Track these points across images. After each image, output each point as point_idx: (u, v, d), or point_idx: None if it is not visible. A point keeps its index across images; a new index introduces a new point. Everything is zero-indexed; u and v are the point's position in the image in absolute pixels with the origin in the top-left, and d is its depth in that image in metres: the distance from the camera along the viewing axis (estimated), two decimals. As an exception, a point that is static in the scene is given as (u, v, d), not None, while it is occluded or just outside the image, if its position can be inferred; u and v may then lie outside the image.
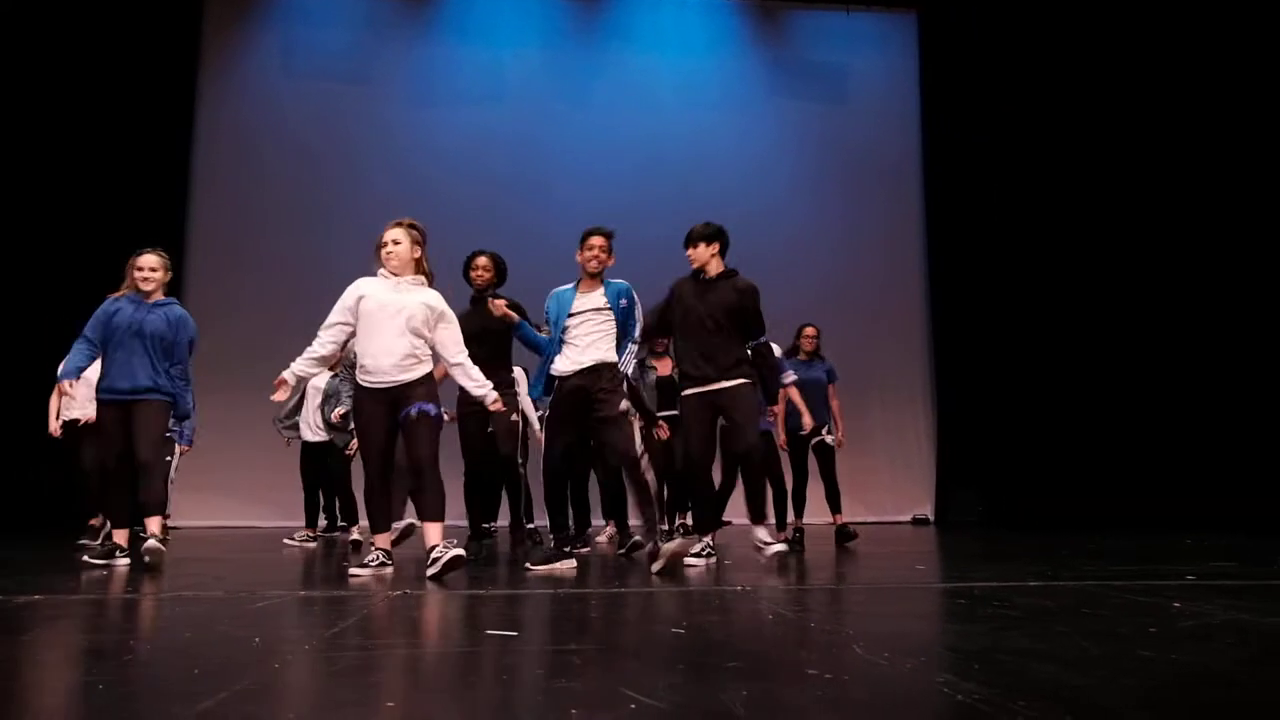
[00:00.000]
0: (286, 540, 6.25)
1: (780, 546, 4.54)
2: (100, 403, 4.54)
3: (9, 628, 2.61)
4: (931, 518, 10.07)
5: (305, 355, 4.11)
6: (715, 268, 4.76)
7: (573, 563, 4.24)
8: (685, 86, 10.37)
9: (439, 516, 4.07)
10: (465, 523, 5.38)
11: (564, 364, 4.45)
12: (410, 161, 9.68)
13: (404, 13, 10.23)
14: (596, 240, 4.54)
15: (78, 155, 8.90)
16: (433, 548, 3.97)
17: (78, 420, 5.90)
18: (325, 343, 4.11)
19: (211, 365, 8.88)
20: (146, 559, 4.21)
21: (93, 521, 5.86)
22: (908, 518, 9.99)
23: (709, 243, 4.72)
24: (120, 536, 4.49)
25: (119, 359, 4.48)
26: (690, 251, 4.73)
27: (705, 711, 1.58)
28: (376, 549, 4.09)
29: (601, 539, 6.11)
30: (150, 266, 4.62)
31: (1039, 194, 10.02)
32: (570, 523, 5.42)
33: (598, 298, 4.50)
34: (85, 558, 4.40)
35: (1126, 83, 9.63)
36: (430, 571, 3.81)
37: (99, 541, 5.45)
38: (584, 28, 10.46)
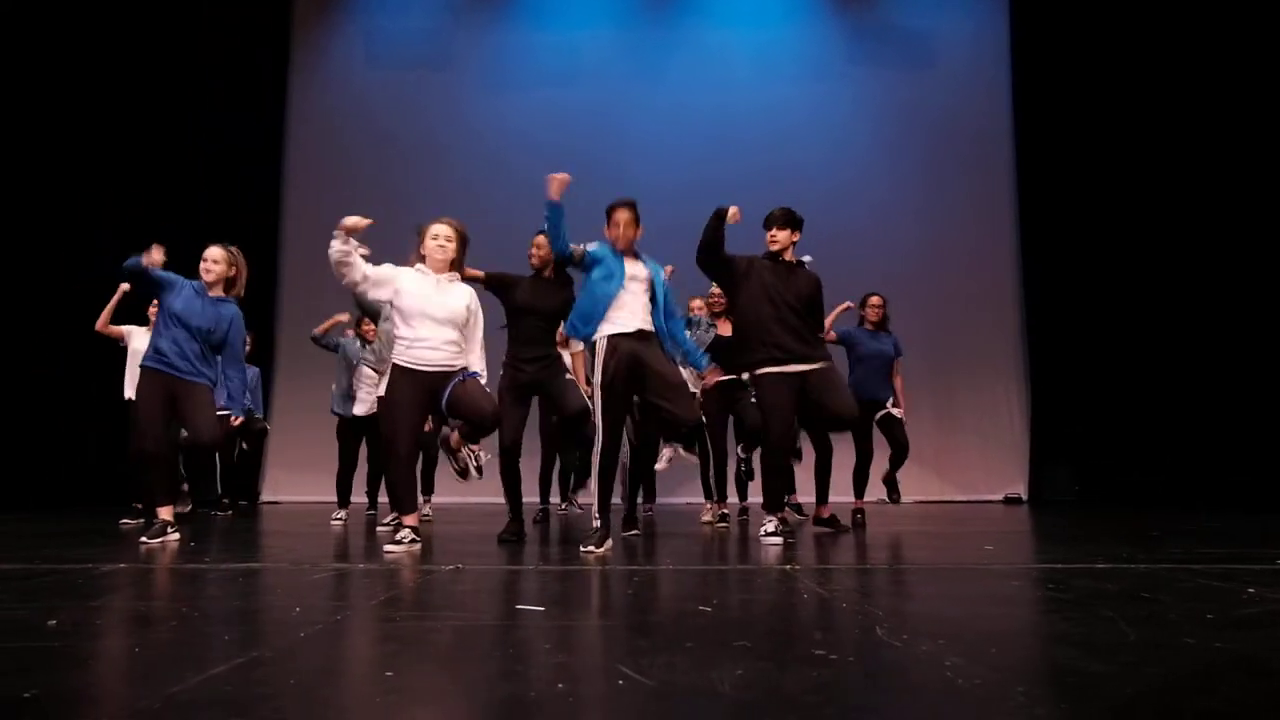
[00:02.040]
0: (332, 520, 6.22)
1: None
2: (147, 369, 4.54)
3: (85, 593, 2.80)
4: (1025, 496, 9.70)
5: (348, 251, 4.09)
6: (789, 255, 4.85)
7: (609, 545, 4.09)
8: (761, 59, 10.19)
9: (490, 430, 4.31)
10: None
11: (611, 327, 4.24)
12: (487, 145, 9.84)
13: (480, -2, 10.38)
14: (623, 215, 4.38)
15: (178, 149, 9.39)
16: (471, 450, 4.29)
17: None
18: (363, 266, 4.12)
19: (305, 347, 9.29)
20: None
21: (138, 504, 6.09)
22: (999, 497, 9.66)
23: (793, 229, 4.82)
24: (166, 513, 4.51)
25: (171, 338, 4.54)
26: (775, 232, 4.80)
27: (690, 689, 1.57)
28: (407, 527, 4.12)
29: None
30: (213, 258, 4.71)
31: (1139, 160, 9.43)
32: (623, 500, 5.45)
33: (640, 267, 4.40)
34: (143, 538, 4.41)
35: (1239, 44, 8.93)
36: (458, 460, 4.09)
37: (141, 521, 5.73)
38: (658, 5, 10.39)
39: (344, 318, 6.31)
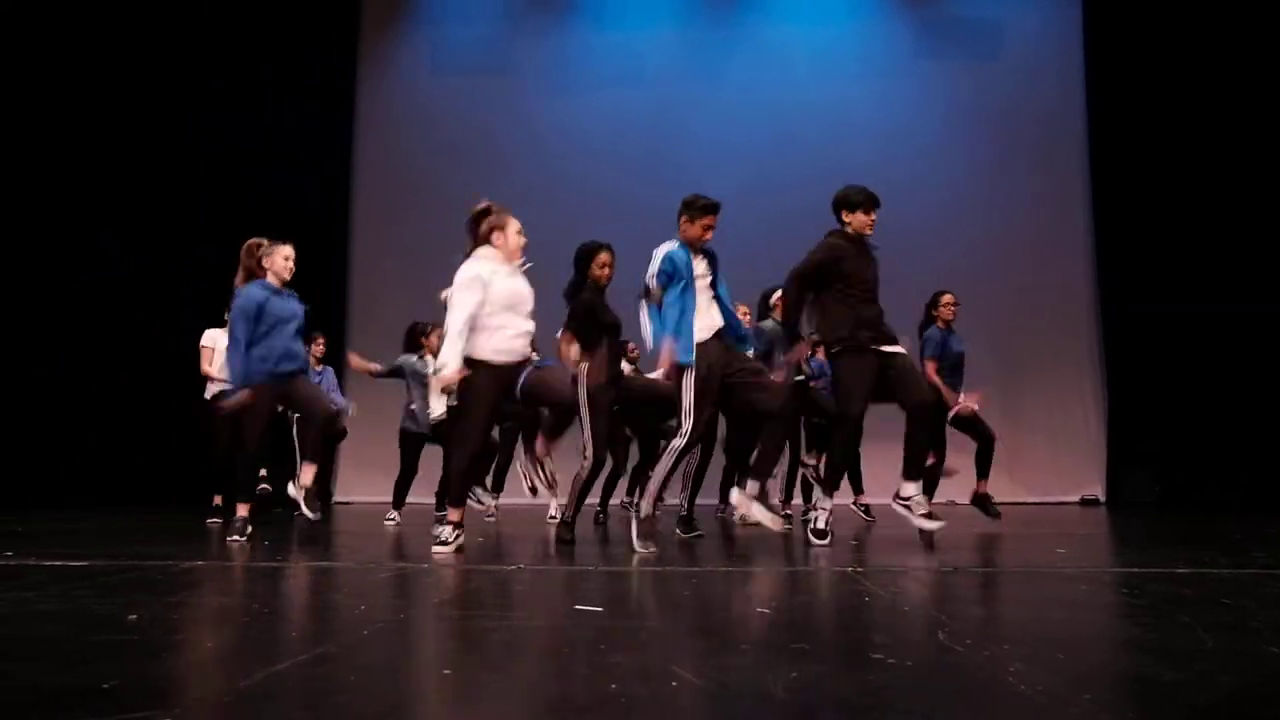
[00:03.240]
0: (385, 520, 6.29)
1: (936, 524, 4.40)
2: (256, 383, 4.68)
3: (163, 590, 2.91)
4: (1102, 498, 9.38)
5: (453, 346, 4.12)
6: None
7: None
8: (824, 55, 10.05)
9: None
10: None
11: (700, 331, 4.22)
12: (548, 148, 9.90)
13: (542, 2, 10.48)
14: (715, 221, 4.36)
15: (252, 154, 9.74)
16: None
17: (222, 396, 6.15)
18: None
19: (372, 349, 9.50)
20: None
21: (219, 500, 6.26)
22: (1075, 498, 9.36)
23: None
24: (244, 510, 4.66)
25: (277, 345, 4.69)
26: (876, 216, 4.62)
27: (743, 691, 1.56)
28: (449, 523, 4.13)
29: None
30: (294, 256, 4.89)
31: (1222, 153, 9.04)
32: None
33: (702, 264, 4.36)
34: (230, 538, 4.56)
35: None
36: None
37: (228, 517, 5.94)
38: (719, 4, 10.34)
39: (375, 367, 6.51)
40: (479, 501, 6.31)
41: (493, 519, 6.45)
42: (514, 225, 4.31)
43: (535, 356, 4.44)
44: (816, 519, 4.48)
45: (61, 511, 7.10)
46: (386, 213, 10.20)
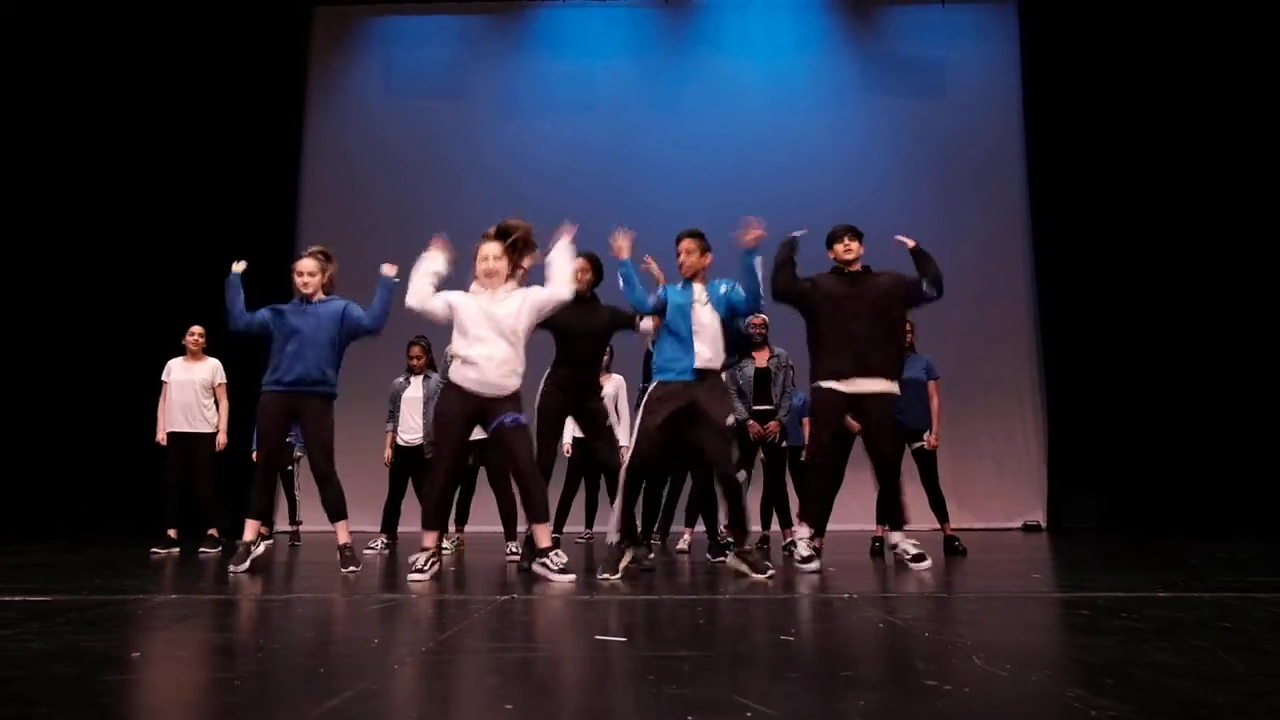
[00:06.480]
0: (366, 549, 6.04)
1: (927, 563, 4.50)
2: (265, 392, 4.58)
3: (149, 625, 2.77)
4: (1044, 524, 9.67)
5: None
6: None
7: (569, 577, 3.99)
8: (775, 88, 10.28)
9: (545, 518, 4.16)
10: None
11: (668, 370, 4.29)
12: (502, 173, 9.87)
13: (497, 29, 10.48)
14: (683, 244, 4.43)
15: (196, 175, 9.50)
16: (545, 549, 4.04)
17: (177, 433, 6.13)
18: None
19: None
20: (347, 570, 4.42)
21: (211, 532, 6.05)
22: (1018, 524, 9.62)
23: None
24: (250, 530, 4.51)
25: (287, 354, 4.56)
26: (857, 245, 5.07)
27: (823, 721, 1.55)
28: (424, 548, 4.06)
29: (682, 545, 6.15)
30: (309, 271, 4.72)
31: (1154, 182, 9.53)
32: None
33: (701, 293, 4.38)
34: (232, 567, 4.42)
35: (1250, 64, 9.08)
36: (547, 571, 3.94)
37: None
38: (672, 35, 10.49)
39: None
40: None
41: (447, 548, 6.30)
42: (478, 254, 4.25)
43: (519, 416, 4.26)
44: (798, 550, 4.52)
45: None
46: (334, 233, 9.95)
